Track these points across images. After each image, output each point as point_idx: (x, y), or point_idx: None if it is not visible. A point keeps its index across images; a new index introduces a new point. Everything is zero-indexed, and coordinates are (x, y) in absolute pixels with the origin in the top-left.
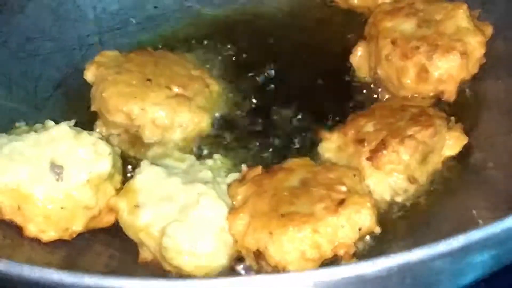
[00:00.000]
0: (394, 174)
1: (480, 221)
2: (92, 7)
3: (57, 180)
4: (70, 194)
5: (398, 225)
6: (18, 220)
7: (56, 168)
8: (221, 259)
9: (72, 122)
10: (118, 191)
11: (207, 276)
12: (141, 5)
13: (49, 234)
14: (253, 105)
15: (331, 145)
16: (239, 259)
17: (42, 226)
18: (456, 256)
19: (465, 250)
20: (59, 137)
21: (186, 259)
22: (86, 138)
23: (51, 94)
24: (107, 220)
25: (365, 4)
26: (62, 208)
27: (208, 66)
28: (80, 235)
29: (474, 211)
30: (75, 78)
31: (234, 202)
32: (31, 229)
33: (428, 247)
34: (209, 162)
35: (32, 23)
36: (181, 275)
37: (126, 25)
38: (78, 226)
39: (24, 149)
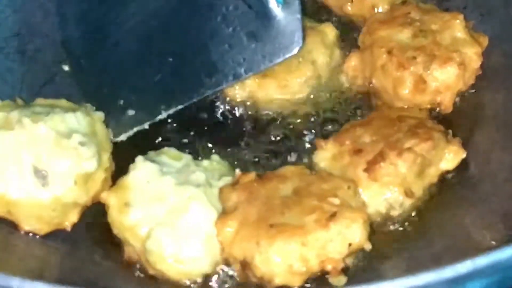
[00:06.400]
0: (390, 187)
1: (476, 240)
2: None
3: (43, 185)
4: (58, 197)
5: (392, 240)
6: (12, 218)
7: (40, 173)
8: (205, 267)
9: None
10: (107, 170)
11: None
12: None
13: (45, 230)
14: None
15: (326, 154)
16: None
17: (36, 226)
18: (459, 281)
19: (470, 276)
20: (41, 139)
21: (169, 263)
22: (69, 138)
23: (37, 92)
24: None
25: (360, 12)
26: (53, 210)
27: None
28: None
29: (469, 229)
30: (63, 76)
31: (224, 208)
32: (26, 227)
33: (433, 271)
34: (205, 163)
35: (21, 18)
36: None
37: None
38: (73, 218)
39: (2, 151)
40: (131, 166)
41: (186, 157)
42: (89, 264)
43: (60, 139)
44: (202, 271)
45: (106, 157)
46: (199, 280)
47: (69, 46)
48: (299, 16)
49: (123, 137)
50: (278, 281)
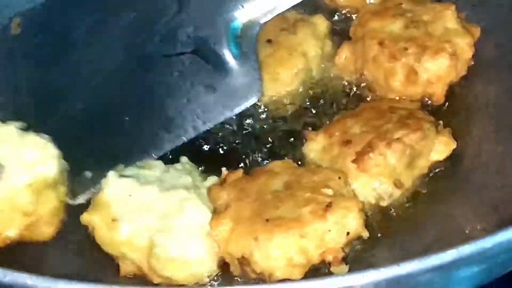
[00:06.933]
0: (379, 177)
1: (467, 231)
2: None
3: None
4: (8, 195)
5: (382, 231)
6: None
7: None
8: (211, 265)
9: (21, 124)
10: (61, 203)
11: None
12: None
13: None
14: None
15: (316, 146)
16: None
17: None
18: (446, 270)
19: (456, 264)
20: (4, 136)
21: (177, 267)
22: (33, 139)
23: None
24: (45, 231)
25: (352, 3)
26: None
27: None
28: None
29: (460, 220)
30: None
31: (215, 207)
32: None
33: (418, 260)
34: (178, 166)
35: None
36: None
37: None
38: (11, 232)
39: None
40: (104, 182)
41: (158, 164)
42: (79, 258)
43: (27, 135)
44: (209, 270)
45: (62, 189)
46: (205, 280)
47: (20, 113)
48: (256, 66)
49: (81, 199)
50: (278, 274)
